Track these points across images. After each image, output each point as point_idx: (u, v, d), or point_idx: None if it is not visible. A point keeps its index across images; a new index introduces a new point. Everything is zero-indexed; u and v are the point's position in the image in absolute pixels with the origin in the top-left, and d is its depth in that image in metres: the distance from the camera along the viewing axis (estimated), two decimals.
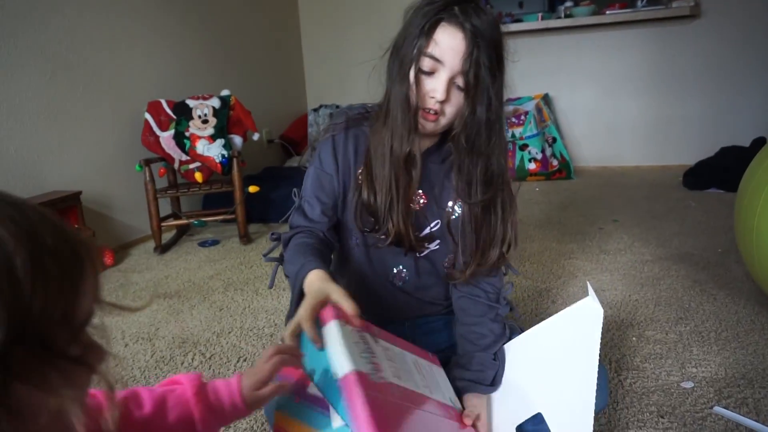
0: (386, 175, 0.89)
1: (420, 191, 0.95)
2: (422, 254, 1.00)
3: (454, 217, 0.96)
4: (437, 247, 0.99)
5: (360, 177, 0.93)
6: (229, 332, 1.62)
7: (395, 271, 1.00)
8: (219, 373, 1.38)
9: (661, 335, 1.45)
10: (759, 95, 3.56)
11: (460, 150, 0.90)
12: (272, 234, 0.99)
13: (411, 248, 0.95)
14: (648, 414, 1.12)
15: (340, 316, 0.71)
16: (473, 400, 0.89)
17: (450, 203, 0.96)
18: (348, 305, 0.72)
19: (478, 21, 0.80)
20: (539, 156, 3.70)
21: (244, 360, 1.44)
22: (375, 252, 0.98)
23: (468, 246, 0.95)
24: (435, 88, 0.83)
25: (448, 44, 0.80)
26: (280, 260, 0.96)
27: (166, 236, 2.69)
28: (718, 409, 1.12)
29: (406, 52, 0.84)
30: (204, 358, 1.47)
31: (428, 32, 0.81)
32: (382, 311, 0.98)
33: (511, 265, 1.02)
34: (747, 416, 1.09)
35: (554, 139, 3.77)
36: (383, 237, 0.93)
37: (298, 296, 0.80)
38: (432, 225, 0.97)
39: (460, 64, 0.81)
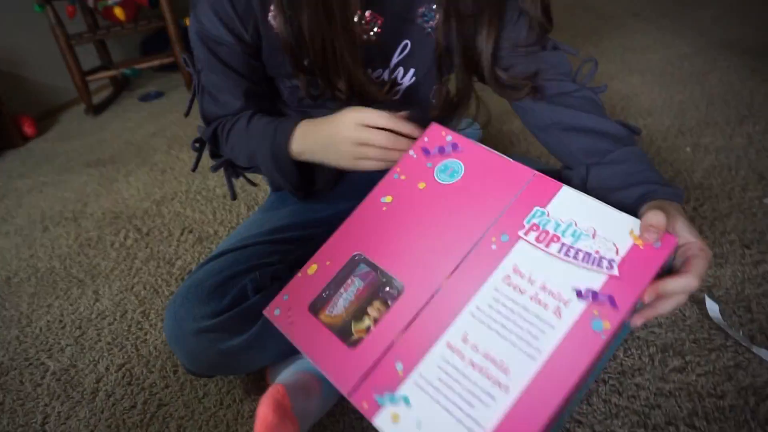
0: None
1: (368, 12, 0.63)
2: (396, 97, 0.69)
3: (429, 28, 0.65)
4: (413, 80, 0.69)
5: (273, 19, 0.61)
6: (173, 198, 1.29)
7: None
8: (158, 251, 1.08)
9: (723, 141, 1.11)
10: None
11: None
12: (194, 141, 0.73)
13: (375, 99, 0.64)
14: (728, 246, 0.82)
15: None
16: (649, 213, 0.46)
17: (421, 9, 0.65)
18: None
19: None
20: None
21: (189, 231, 1.13)
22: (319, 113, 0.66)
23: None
24: None
25: None
26: (231, 164, 0.71)
27: (102, 94, 2.26)
28: None
29: None
30: (140, 234, 1.15)
31: None
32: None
33: (561, 43, 0.66)
34: None
35: None
36: (333, 98, 0.65)
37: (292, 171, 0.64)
38: (399, 50, 0.66)
39: None
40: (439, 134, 0.55)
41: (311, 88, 0.65)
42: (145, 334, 0.86)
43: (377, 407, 0.42)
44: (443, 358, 0.42)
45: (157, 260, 1.05)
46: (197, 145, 0.73)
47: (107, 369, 0.80)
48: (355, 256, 0.52)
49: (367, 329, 0.46)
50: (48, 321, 0.94)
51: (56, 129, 2.01)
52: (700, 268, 0.44)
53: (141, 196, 1.33)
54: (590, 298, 0.42)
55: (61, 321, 0.93)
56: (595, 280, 0.43)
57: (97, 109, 2.09)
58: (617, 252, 0.44)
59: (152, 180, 1.41)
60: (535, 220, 0.47)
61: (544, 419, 0.38)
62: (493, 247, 0.47)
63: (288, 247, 0.69)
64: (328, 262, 0.52)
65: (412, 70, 0.68)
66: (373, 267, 0.50)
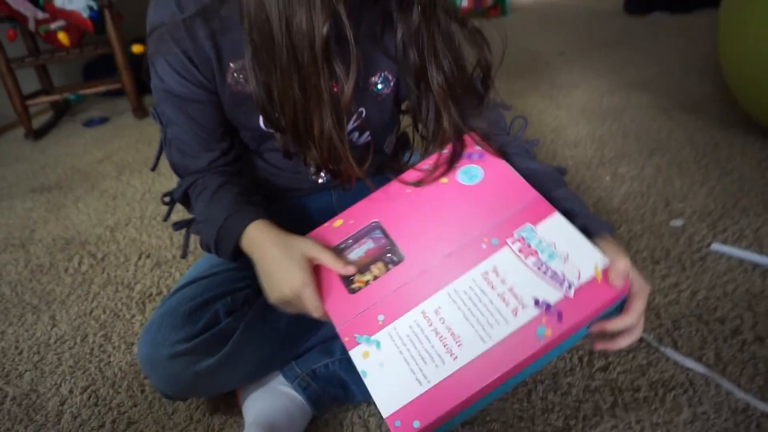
0: (287, 70, 0.55)
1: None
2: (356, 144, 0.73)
3: (383, 94, 0.69)
4: (368, 139, 0.72)
5: (233, 81, 0.63)
6: (126, 224, 1.30)
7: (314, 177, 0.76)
8: (115, 276, 1.09)
9: (636, 171, 1.27)
10: None
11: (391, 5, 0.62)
12: (164, 195, 0.74)
13: (348, 178, 0.66)
14: (641, 262, 0.95)
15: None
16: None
17: (374, 78, 0.68)
18: (333, 262, 0.58)
19: None
20: None
21: (147, 256, 1.15)
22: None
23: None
24: None
25: None
26: (190, 225, 0.72)
27: (41, 119, 2.21)
28: (716, 245, 0.96)
29: None
30: (95, 260, 1.16)
31: None
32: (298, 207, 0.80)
33: (498, 100, 0.71)
34: (749, 249, 0.94)
35: None
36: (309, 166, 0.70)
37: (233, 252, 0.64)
38: (355, 118, 0.68)
39: None
40: (471, 144, 0.64)
41: (288, 145, 0.65)
42: (109, 356, 0.88)
43: (355, 343, 0.54)
44: (415, 321, 0.52)
45: (115, 285, 1.06)
46: (166, 199, 0.74)
47: (71, 392, 0.82)
48: (373, 222, 0.61)
49: (367, 282, 0.57)
50: (3, 348, 0.93)
51: None
52: (639, 306, 0.53)
53: (93, 222, 1.34)
54: (544, 309, 0.50)
55: (17, 347, 0.93)
56: (553, 295, 0.50)
57: (37, 134, 2.05)
58: (579, 277, 0.50)
59: (103, 206, 1.41)
60: (524, 234, 0.55)
61: (474, 390, 0.48)
62: (483, 246, 0.55)
63: (255, 272, 0.74)
64: (351, 221, 0.62)
65: (367, 133, 0.71)
66: (385, 234, 0.60)
